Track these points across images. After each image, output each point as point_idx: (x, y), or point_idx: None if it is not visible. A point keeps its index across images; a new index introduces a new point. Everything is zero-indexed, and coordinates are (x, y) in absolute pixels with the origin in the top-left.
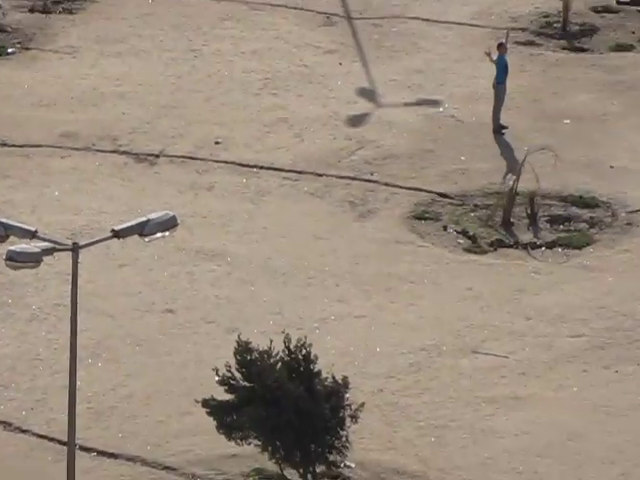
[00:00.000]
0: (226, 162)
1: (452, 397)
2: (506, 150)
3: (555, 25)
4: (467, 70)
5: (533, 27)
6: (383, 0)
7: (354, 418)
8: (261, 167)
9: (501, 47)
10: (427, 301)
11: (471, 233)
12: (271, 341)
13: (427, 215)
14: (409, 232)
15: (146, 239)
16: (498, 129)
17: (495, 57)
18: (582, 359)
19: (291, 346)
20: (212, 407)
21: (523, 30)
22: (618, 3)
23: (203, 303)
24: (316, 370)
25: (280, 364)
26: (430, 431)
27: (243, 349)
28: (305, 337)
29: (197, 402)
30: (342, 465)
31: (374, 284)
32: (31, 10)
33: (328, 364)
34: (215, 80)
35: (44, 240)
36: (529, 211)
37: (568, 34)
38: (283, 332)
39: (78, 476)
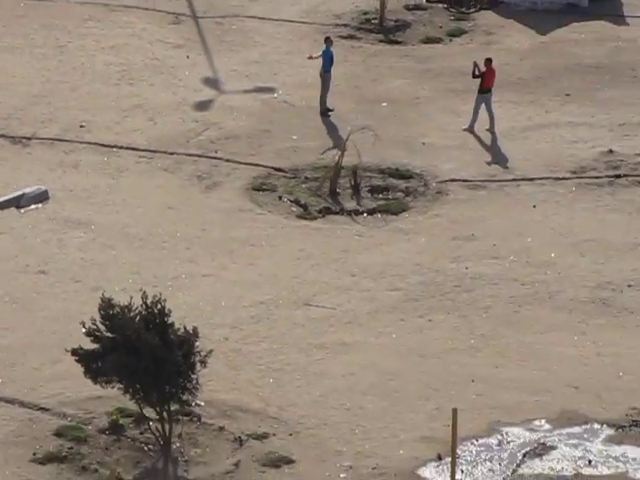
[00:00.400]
0: (89, 143)
1: (288, 344)
2: (332, 130)
3: (373, 21)
4: (297, 61)
5: (354, 23)
6: (223, 1)
7: (203, 363)
8: (120, 147)
9: (328, 40)
10: (265, 261)
11: (302, 202)
12: (131, 297)
13: (264, 187)
14: (249, 202)
15: (22, 210)
16: (325, 112)
17: (318, 54)
18: (400, 310)
19: (148, 302)
20: (80, 355)
21: (345, 26)
22: (428, 1)
23: (71, 265)
24: (170, 322)
25: (138, 317)
26: (269, 374)
27: (106, 305)
28: (160, 294)
29: (67, 351)
30: (193, 404)
31: (219, 247)
32: None
33: (180, 317)
34: (79, 72)
35: None
36: (352, 182)
37: (384, 29)
38: (141, 290)
39: None
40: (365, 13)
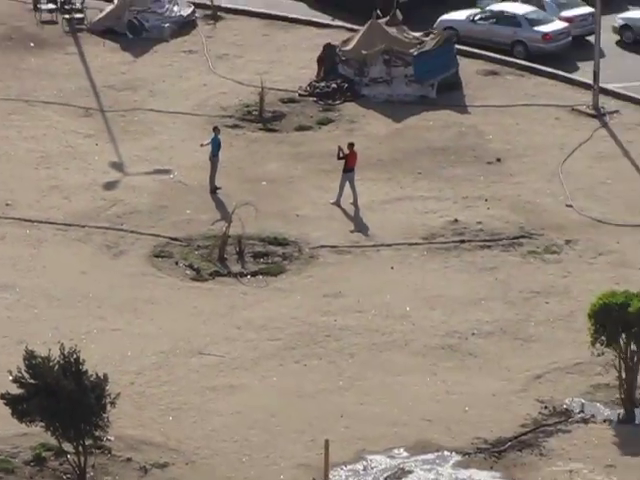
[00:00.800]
0: (14, 218)
1: (184, 387)
2: (220, 205)
3: (254, 113)
4: (190, 147)
5: (238, 114)
6: (126, 97)
7: (112, 404)
8: (40, 221)
9: (215, 129)
10: (164, 317)
11: (196, 266)
12: (49, 349)
13: (163, 254)
14: (150, 267)
15: None
16: (214, 190)
17: (207, 141)
18: (279, 356)
19: (65, 352)
20: (7, 399)
21: (230, 117)
22: (300, 95)
23: None
24: (84, 370)
25: (57, 366)
26: (169, 412)
27: (29, 356)
28: (75, 345)
29: None
30: (104, 439)
31: (125, 306)
32: None
33: (93, 365)
34: (4, 158)
35: None
36: (238, 249)
37: (263, 119)
38: (59, 342)
39: None
40: (247, 106)
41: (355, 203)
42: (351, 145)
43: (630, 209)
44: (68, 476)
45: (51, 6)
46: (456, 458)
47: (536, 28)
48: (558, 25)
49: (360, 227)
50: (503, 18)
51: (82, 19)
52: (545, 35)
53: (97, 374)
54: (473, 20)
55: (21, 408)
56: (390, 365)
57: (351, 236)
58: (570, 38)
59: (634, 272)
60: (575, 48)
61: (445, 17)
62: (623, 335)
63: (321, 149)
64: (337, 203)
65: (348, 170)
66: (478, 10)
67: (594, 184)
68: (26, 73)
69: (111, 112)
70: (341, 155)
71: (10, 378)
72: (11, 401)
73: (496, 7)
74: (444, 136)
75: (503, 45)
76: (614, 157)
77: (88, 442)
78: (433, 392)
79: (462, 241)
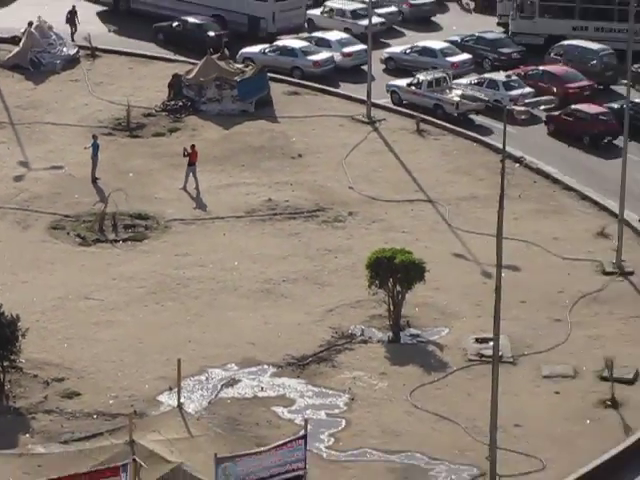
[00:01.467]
0: None
1: (75, 322)
2: (99, 191)
3: (123, 124)
4: (77, 149)
5: (111, 125)
6: (30, 113)
7: (23, 336)
8: None
9: (94, 136)
10: (60, 272)
11: (82, 235)
12: None
13: (58, 227)
14: (49, 236)
15: None
16: (94, 180)
17: (89, 145)
18: (144, 300)
19: None
20: None
21: (106, 127)
22: (156, 111)
23: None
24: (1, 311)
25: None
26: (64, 341)
27: None
28: None
29: None
30: (17, 361)
31: (31, 265)
32: None
33: (8, 308)
34: None
35: None
36: (113, 222)
37: (130, 128)
38: None
39: None
40: (118, 119)
41: (197, 188)
42: (193, 146)
43: (395, 189)
44: None
45: None
46: (272, 370)
47: (308, 57)
48: (324, 55)
49: (200, 205)
50: (285, 51)
51: None
52: (315, 62)
53: (12, 314)
54: (264, 52)
55: None
56: (224, 304)
57: (194, 212)
58: (334, 65)
59: (398, 235)
60: (353, 74)
61: (244, 50)
62: (391, 280)
63: (172, 150)
64: (184, 188)
65: (191, 164)
66: (267, 45)
67: (368, 172)
68: None
69: (19, 125)
70: (186, 153)
71: None
72: None
73: (280, 43)
74: (260, 139)
75: (285, 70)
76: (382, 152)
77: (6, 364)
78: (255, 323)
79: (275, 214)
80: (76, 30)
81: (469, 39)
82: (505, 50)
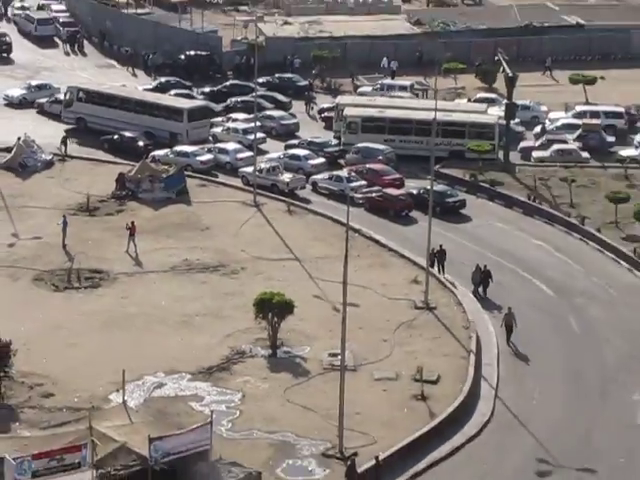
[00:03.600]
0: None
1: (48, 345)
2: (67, 254)
3: (84, 207)
4: (53, 224)
5: (76, 208)
6: (21, 199)
7: (14, 354)
8: None
9: (64, 216)
10: (40, 309)
11: (56, 284)
12: None
13: (39, 278)
14: (34, 285)
15: None
16: (64, 246)
17: (60, 222)
18: (101, 326)
19: None
20: None
21: (72, 209)
22: (108, 199)
23: None
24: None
25: None
26: (43, 357)
27: None
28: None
29: None
30: (10, 372)
31: (20, 304)
32: None
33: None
34: None
35: None
36: (77, 275)
37: (89, 210)
38: None
39: None
40: (80, 204)
41: (136, 251)
42: (132, 222)
43: (273, 251)
44: None
45: None
46: (188, 377)
47: (197, 158)
48: (208, 157)
49: (138, 263)
50: (181, 153)
51: None
52: (202, 162)
53: (6, 339)
54: (167, 155)
55: None
56: (155, 331)
57: (134, 268)
58: (214, 164)
59: (275, 282)
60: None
61: (154, 153)
62: (270, 313)
63: (118, 225)
64: (127, 251)
65: (132, 234)
66: (169, 149)
67: (255, 239)
68: None
69: (11, 208)
70: (127, 227)
71: None
72: None
73: (177, 148)
74: (180, 217)
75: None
76: (264, 226)
77: (1, 374)
78: (177, 344)
79: (190, 269)
80: (66, 149)
81: (309, 142)
82: (329, 149)
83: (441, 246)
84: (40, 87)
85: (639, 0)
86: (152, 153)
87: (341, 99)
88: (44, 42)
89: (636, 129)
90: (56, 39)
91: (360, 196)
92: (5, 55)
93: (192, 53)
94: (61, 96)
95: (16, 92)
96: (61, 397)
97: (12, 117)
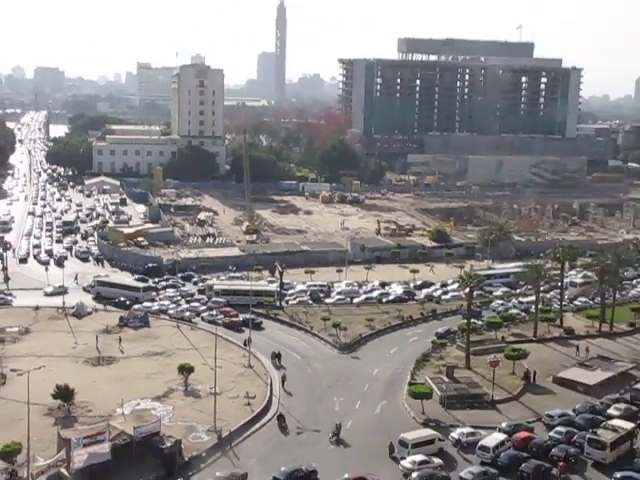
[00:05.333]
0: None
1: None
2: None
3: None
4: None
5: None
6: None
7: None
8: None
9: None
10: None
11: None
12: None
13: (87, 361)
14: (84, 364)
15: None
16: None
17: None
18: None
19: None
20: None
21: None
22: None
23: None
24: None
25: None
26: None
27: None
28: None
29: None
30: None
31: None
32: None
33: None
34: None
35: None
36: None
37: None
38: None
39: None
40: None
41: (121, 348)
42: (120, 337)
43: (186, 344)
44: None
45: None
46: (149, 400)
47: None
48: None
49: (126, 353)
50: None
51: None
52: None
53: (72, 387)
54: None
55: None
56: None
57: (125, 354)
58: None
59: (188, 358)
60: None
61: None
62: (184, 371)
63: (120, 336)
64: (120, 348)
65: (120, 341)
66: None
67: (180, 340)
68: None
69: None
70: (120, 338)
71: None
72: None
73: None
74: (145, 332)
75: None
76: (179, 335)
77: (70, 403)
78: (154, 386)
79: (150, 354)
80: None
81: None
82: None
83: (279, 352)
84: None
85: None
86: (134, 306)
87: (214, 282)
88: None
89: None
90: None
91: (220, 321)
92: None
93: None
94: None
95: None
96: (94, 412)
97: None
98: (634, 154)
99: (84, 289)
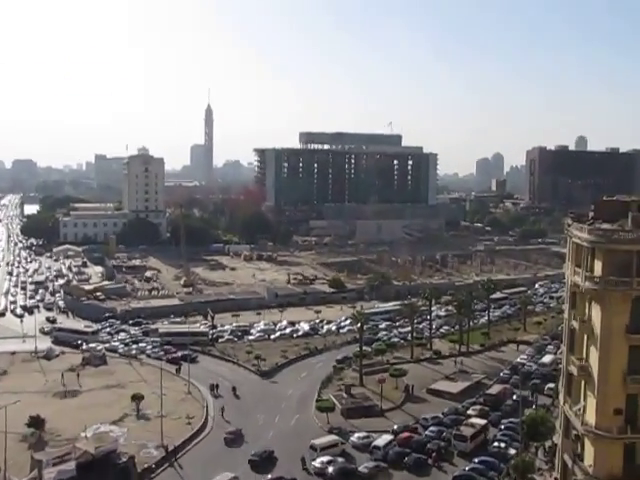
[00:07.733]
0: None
1: None
2: None
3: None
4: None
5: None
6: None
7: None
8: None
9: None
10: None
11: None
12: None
13: (57, 394)
14: (52, 397)
15: None
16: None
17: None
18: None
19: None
20: None
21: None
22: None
23: None
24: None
25: None
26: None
27: None
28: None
29: None
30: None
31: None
32: None
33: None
34: None
35: None
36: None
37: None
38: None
39: None
40: None
41: (79, 384)
42: (78, 374)
43: (141, 380)
44: None
45: None
46: (108, 423)
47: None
48: None
49: (86, 386)
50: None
51: None
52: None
53: (42, 416)
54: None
55: None
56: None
57: (86, 388)
58: None
59: (141, 390)
60: None
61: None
62: (136, 400)
63: (80, 373)
64: (79, 383)
65: (78, 375)
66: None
67: (137, 376)
68: None
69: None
70: (78, 374)
71: None
72: None
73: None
74: (103, 369)
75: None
76: (131, 370)
77: (40, 430)
78: (111, 412)
79: (108, 387)
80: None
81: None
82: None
83: (217, 384)
84: None
85: None
86: (95, 347)
87: (158, 326)
88: None
89: None
90: None
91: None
92: None
93: None
94: None
95: None
96: (62, 436)
97: None
98: (478, 216)
99: (44, 333)
